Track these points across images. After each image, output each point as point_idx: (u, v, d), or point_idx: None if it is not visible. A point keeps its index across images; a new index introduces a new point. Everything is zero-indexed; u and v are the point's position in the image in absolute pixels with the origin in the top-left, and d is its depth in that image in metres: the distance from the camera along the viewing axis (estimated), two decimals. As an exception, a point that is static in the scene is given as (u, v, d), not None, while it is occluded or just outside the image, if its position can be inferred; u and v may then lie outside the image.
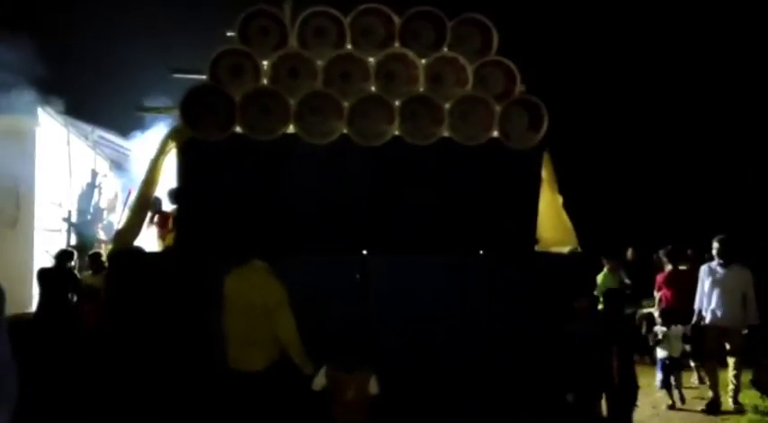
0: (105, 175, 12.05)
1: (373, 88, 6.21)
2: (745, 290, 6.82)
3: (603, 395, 5.53)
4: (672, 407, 6.96)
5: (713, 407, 6.70)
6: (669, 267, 8.51)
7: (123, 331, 5.65)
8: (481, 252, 6.10)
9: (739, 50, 15.51)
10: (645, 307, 9.54)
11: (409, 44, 6.33)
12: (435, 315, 5.79)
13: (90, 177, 11.13)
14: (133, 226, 6.22)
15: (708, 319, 6.93)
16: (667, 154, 15.92)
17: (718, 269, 6.97)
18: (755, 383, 6.85)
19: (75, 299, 7.86)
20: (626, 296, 9.89)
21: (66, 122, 12.20)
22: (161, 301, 5.64)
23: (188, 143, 5.98)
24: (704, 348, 7.08)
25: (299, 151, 6.02)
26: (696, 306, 7.12)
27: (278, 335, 4.73)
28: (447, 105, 6.16)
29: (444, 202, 6.21)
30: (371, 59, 6.23)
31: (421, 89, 6.25)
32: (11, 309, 8.84)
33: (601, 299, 9.01)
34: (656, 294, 8.74)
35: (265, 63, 6.15)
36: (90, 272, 8.31)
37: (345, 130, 6.05)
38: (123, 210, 10.63)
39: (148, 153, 6.91)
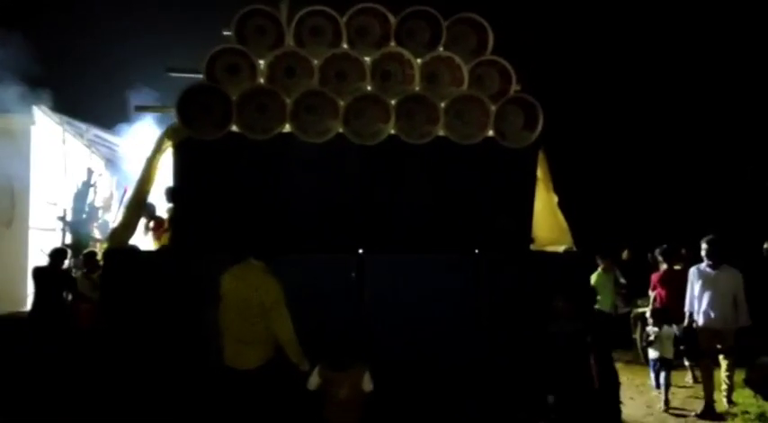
0: (101, 174, 12.02)
1: (369, 87, 6.23)
2: (735, 291, 6.77)
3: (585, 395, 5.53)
4: (667, 404, 6.96)
5: (707, 412, 6.68)
6: (664, 267, 8.54)
7: (118, 330, 5.65)
8: (476, 251, 6.10)
9: (734, 50, 15.56)
10: (639, 306, 9.59)
11: (405, 43, 6.34)
12: (431, 314, 5.79)
13: (85, 176, 11.09)
14: (129, 225, 6.22)
15: (700, 321, 6.87)
16: (662, 153, 15.96)
17: (708, 270, 6.92)
18: (749, 382, 6.85)
19: (69, 298, 7.85)
20: (622, 294, 9.98)
21: (62, 121, 12.19)
22: (156, 300, 5.63)
23: (184, 142, 5.98)
24: (698, 350, 7.05)
25: (295, 150, 6.03)
26: (687, 308, 7.06)
27: (275, 334, 4.74)
28: (442, 104, 6.17)
29: (440, 201, 6.23)
30: (367, 59, 6.24)
31: (417, 88, 6.26)
32: (6, 307, 8.89)
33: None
34: (651, 294, 8.77)
35: (262, 62, 6.15)
36: (80, 273, 8.29)
37: (341, 129, 6.06)
38: (119, 209, 10.62)
39: (143, 151, 6.91)
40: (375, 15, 6.35)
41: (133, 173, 11.04)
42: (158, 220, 7.98)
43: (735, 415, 6.67)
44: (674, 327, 7.24)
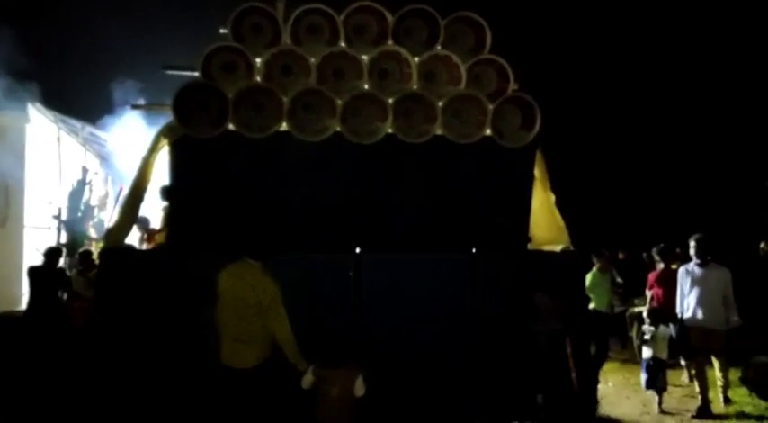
0: (96, 173, 11.98)
1: (366, 86, 6.22)
2: (724, 289, 6.75)
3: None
4: (660, 405, 6.91)
5: (703, 412, 6.66)
6: (661, 266, 8.55)
7: (114, 329, 5.62)
8: (474, 250, 6.10)
9: (732, 49, 15.59)
10: (636, 305, 9.60)
11: (402, 42, 6.33)
12: (428, 313, 5.79)
13: (81, 174, 11.06)
14: (124, 224, 6.19)
15: (690, 320, 6.86)
16: (659, 153, 16.00)
17: (696, 269, 6.90)
18: (745, 381, 6.86)
19: (64, 297, 7.82)
20: (618, 294, 9.99)
21: (56, 119, 12.15)
22: (152, 299, 5.62)
23: (180, 140, 5.97)
24: (690, 349, 7.04)
25: (292, 149, 6.02)
26: (678, 309, 7.06)
27: (272, 333, 4.73)
28: (440, 103, 6.16)
29: (437, 200, 6.23)
30: (365, 57, 6.22)
31: (414, 87, 6.25)
32: (0, 306, 8.84)
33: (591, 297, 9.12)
34: (648, 293, 8.77)
35: (258, 60, 6.13)
36: (75, 271, 8.25)
37: (338, 128, 6.05)
38: (114, 207, 10.59)
39: (133, 146, 6.88)
40: (372, 14, 6.33)
41: (125, 169, 11.07)
42: (152, 233, 7.94)
43: (731, 415, 6.67)
44: (671, 326, 7.24)
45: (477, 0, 6.79)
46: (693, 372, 7.57)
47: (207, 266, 5.01)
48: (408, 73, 6.25)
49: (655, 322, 7.00)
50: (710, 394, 6.75)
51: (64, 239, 10.32)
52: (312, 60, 6.11)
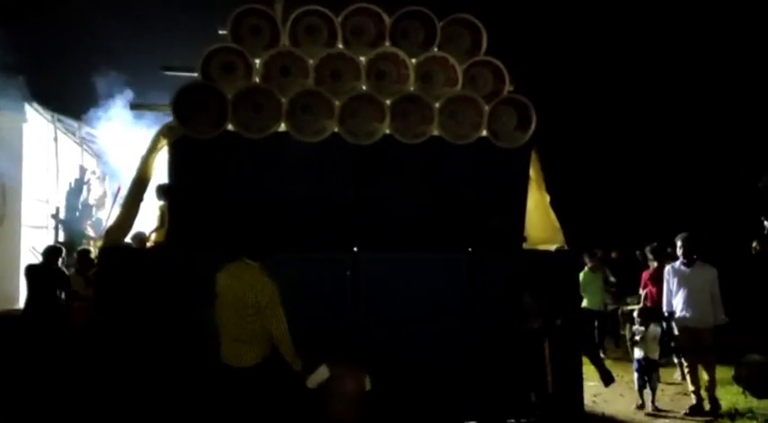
0: (94, 172, 12.01)
1: (364, 87, 6.27)
2: (710, 288, 6.77)
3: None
4: (641, 407, 6.90)
5: (696, 410, 6.73)
6: (654, 264, 8.62)
7: (114, 327, 5.66)
8: (470, 249, 6.16)
9: (721, 50, 15.68)
10: (628, 304, 9.69)
11: (400, 43, 6.40)
12: (425, 311, 5.86)
13: (78, 174, 11.08)
14: (124, 223, 6.23)
15: (678, 320, 6.89)
16: (652, 153, 16.09)
17: (683, 268, 6.93)
18: (737, 379, 6.91)
19: (63, 296, 7.84)
20: (611, 292, 10.08)
21: (53, 118, 12.17)
22: (152, 298, 5.66)
23: (180, 140, 6.00)
24: (679, 348, 7.06)
25: (290, 149, 6.06)
26: (665, 308, 7.09)
27: (270, 332, 4.76)
28: (437, 104, 6.23)
29: (434, 200, 6.29)
30: (362, 58, 6.28)
31: (411, 88, 6.31)
32: (-3, 305, 8.72)
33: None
34: (642, 292, 8.86)
35: (257, 61, 6.18)
36: (74, 270, 8.28)
37: (336, 129, 6.10)
38: (112, 206, 10.62)
39: (136, 149, 6.92)
40: (370, 15, 6.40)
41: (121, 168, 11.09)
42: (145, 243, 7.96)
43: (723, 413, 6.74)
44: (661, 325, 7.31)
45: (474, 2, 6.86)
46: (686, 370, 7.65)
47: (206, 266, 5.04)
48: (405, 74, 6.31)
49: (644, 322, 7.01)
50: (703, 392, 6.82)
51: (62, 238, 10.34)
52: (310, 61, 6.17)
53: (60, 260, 8.08)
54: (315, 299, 5.65)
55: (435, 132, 6.25)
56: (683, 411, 6.78)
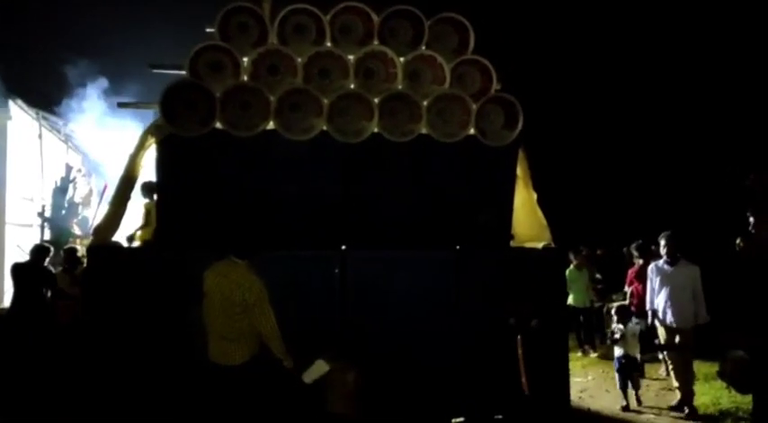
0: (80, 170, 11.94)
1: (352, 85, 6.29)
2: (693, 287, 6.78)
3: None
4: (626, 408, 6.86)
5: (682, 404, 6.79)
6: (640, 262, 8.70)
7: (102, 325, 5.65)
8: (458, 247, 6.20)
9: (706, 49, 15.81)
10: (614, 301, 9.76)
11: (388, 42, 6.42)
12: (413, 308, 5.89)
13: (64, 172, 11.02)
14: (112, 221, 6.21)
15: (660, 317, 6.93)
16: (638, 151, 16.21)
17: (666, 267, 6.96)
18: (721, 375, 6.97)
19: (48, 294, 7.80)
20: (597, 290, 10.16)
21: (38, 116, 12.08)
22: (140, 296, 5.65)
23: (168, 139, 5.99)
24: (660, 345, 7.09)
25: (278, 148, 6.07)
26: (648, 306, 7.13)
27: (259, 330, 4.77)
28: (425, 103, 6.26)
29: (422, 198, 6.32)
30: (351, 57, 6.30)
31: (399, 87, 6.34)
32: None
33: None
34: (628, 289, 8.93)
35: (245, 59, 6.17)
36: (60, 269, 8.24)
37: (325, 127, 6.11)
38: (99, 205, 10.57)
39: (123, 147, 6.89)
40: (358, 14, 6.41)
41: (107, 166, 11.03)
42: None
43: (708, 408, 6.83)
44: (641, 323, 7.36)
45: (461, 1, 6.90)
46: (671, 366, 7.71)
47: (194, 264, 5.03)
48: (393, 73, 6.34)
49: (623, 320, 7.02)
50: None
51: (48, 237, 10.28)
52: (299, 60, 6.18)
53: (47, 259, 8.03)
54: (303, 297, 5.66)
55: (423, 131, 6.28)
56: (668, 406, 6.86)
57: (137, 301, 5.64)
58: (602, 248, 11.88)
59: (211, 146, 6.02)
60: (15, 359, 7.16)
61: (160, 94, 5.91)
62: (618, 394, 7.13)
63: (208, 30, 6.45)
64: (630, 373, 6.93)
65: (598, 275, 10.33)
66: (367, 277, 5.88)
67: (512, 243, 6.70)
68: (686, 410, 6.67)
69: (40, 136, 12.12)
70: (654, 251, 8.95)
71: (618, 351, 7.02)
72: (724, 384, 7.00)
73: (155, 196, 7.74)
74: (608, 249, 11.90)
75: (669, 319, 6.83)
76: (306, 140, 6.06)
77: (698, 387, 7.14)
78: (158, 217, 6.29)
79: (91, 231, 8.47)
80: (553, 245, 6.55)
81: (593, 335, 10.01)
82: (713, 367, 7.14)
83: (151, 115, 6.76)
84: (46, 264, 7.97)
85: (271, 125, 6.07)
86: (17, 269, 7.86)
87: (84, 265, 7.29)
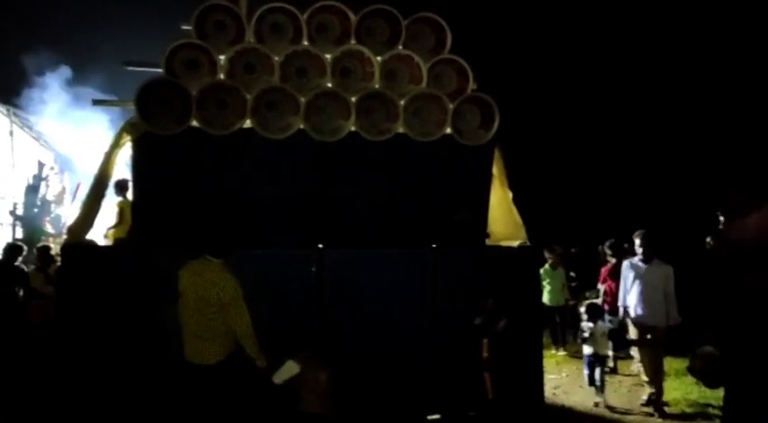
0: (52, 167, 11.79)
1: (329, 84, 6.29)
2: (665, 286, 6.84)
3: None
4: (599, 404, 6.93)
5: (654, 400, 6.88)
6: (613, 260, 8.82)
7: (76, 325, 5.60)
8: (434, 245, 6.25)
9: (680, 49, 16.01)
10: (588, 298, 9.88)
11: (365, 41, 6.44)
12: (390, 306, 5.92)
13: (36, 169, 10.87)
14: (86, 219, 6.15)
15: (631, 315, 7.01)
16: (613, 151, 16.39)
17: (640, 265, 7.02)
18: (691, 370, 7.08)
19: (21, 293, 7.70)
20: (570, 288, 10.26)
21: (9, 113, 11.91)
22: (115, 295, 5.60)
23: (143, 137, 5.95)
24: (630, 342, 7.20)
25: (255, 146, 6.07)
26: (620, 303, 7.20)
27: (233, 329, 4.75)
28: (402, 102, 6.29)
29: (399, 197, 6.36)
30: (328, 56, 6.30)
31: (376, 86, 6.36)
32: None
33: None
34: (601, 287, 9.05)
35: (222, 57, 6.15)
36: (33, 268, 8.14)
37: (301, 126, 6.11)
38: (72, 202, 10.45)
39: (98, 145, 6.83)
40: (335, 13, 6.42)
41: (79, 163, 10.91)
42: None
43: (679, 403, 6.95)
44: (611, 321, 7.42)
45: (438, 0, 6.93)
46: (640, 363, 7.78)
47: (170, 263, 5.01)
48: (370, 72, 6.36)
49: (593, 319, 7.06)
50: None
51: (20, 235, 10.14)
52: (275, 58, 6.17)
53: (20, 258, 7.93)
54: (280, 296, 5.66)
55: (400, 130, 6.31)
56: (639, 402, 6.97)
57: (111, 300, 5.60)
58: (576, 247, 12.02)
59: (187, 144, 5.99)
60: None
61: (135, 92, 5.86)
62: (591, 390, 7.22)
63: (183, 27, 6.41)
64: (599, 369, 6.96)
65: (572, 273, 10.44)
66: (343, 276, 5.89)
67: (487, 241, 6.77)
68: (656, 405, 6.77)
69: (11, 133, 11.94)
70: (627, 249, 9.08)
71: (587, 349, 7.06)
72: (694, 380, 7.19)
73: (128, 194, 7.70)
74: (582, 248, 12.04)
75: (641, 316, 6.91)
76: (282, 139, 6.05)
77: (669, 383, 7.28)
78: (133, 215, 6.25)
79: (64, 230, 8.37)
80: (528, 243, 6.62)
81: (566, 333, 10.12)
82: (684, 363, 7.29)
83: (120, 112, 6.70)
84: (18, 262, 7.87)
85: (247, 124, 6.06)
86: (-12, 268, 7.76)
87: (58, 263, 7.22)
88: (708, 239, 9.57)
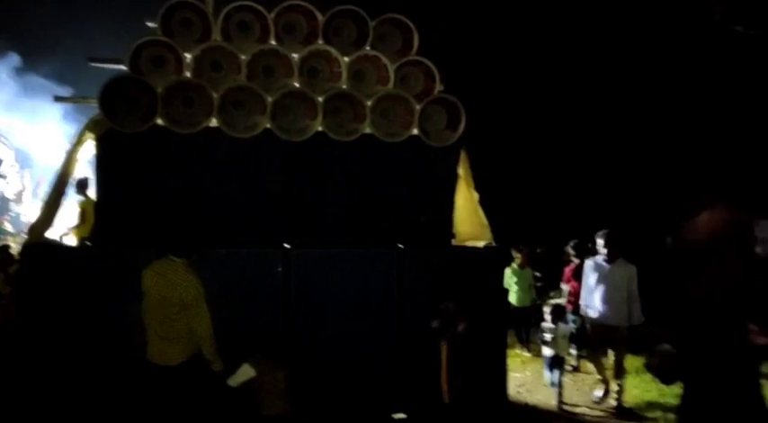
0: (12, 165, 11.54)
1: (296, 84, 6.29)
2: (628, 286, 6.86)
3: None
4: (561, 402, 6.95)
5: (608, 397, 6.97)
6: (576, 261, 8.94)
7: (36, 326, 5.51)
8: (400, 245, 6.29)
9: (644, 49, 16.21)
10: (552, 298, 10.00)
11: (332, 41, 6.45)
12: (355, 306, 5.94)
13: (-5, 167, 10.64)
14: (48, 218, 6.05)
15: (594, 314, 7.00)
16: (576, 152, 16.60)
17: (603, 264, 7.01)
18: (649, 367, 7.20)
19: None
20: (535, 287, 10.36)
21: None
22: (76, 295, 5.52)
23: (107, 134, 5.88)
24: (589, 343, 7.27)
25: (221, 145, 6.04)
26: (582, 302, 7.23)
27: (193, 330, 4.72)
28: (369, 103, 6.31)
29: (365, 197, 6.38)
30: (295, 55, 6.30)
31: (343, 86, 6.38)
32: None
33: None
34: (565, 287, 9.17)
35: (188, 56, 6.11)
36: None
37: (268, 125, 6.10)
38: (33, 201, 10.25)
39: (58, 141, 6.74)
40: (303, 13, 6.42)
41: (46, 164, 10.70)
42: None
43: (637, 400, 7.10)
44: (573, 321, 7.50)
45: (405, 1, 6.98)
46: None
47: (134, 262, 4.98)
48: (338, 72, 6.38)
49: (555, 320, 7.10)
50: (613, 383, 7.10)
51: (-22, 234, 9.91)
52: (242, 57, 6.15)
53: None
54: (245, 295, 5.65)
55: (367, 130, 6.33)
56: (593, 400, 7.08)
57: (73, 301, 5.51)
58: (541, 247, 12.15)
59: (152, 142, 5.94)
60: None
61: (99, 89, 5.78)
62: (554, 389, 7.34)
63: (149, 24, 6.35)
64: (557, 370, 7.01)
65: (537, 274, 10.55)
66: (309, 276, 5.90)
67: (453, 242, 6.81)
68: (612, 402, 6.88)
69: (-31, 129, 11.68)
70: (590, 249, 9.22)
71: (547, 351, 7.10)
72: (651, 376, 7.33)
73: (88, 193, 7.59)
74: (547, 248, 12.17)
75: (603, 317, 6.89)
76: (249, 138, 6.03)
77: (628, 380, 7.41)
78: (97, 214, 6.18)
79: (25, 229, 8.21)
80: (494, 244, 6.68)
81: (530, 333, 10.22)
82: (642, 360, 7.43)
83: (72, 106, 6.61)
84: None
85: (213, 122, 6.02)
86: (-55, 268, 7.58)
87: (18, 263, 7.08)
88: (668, 239, 9.75)
